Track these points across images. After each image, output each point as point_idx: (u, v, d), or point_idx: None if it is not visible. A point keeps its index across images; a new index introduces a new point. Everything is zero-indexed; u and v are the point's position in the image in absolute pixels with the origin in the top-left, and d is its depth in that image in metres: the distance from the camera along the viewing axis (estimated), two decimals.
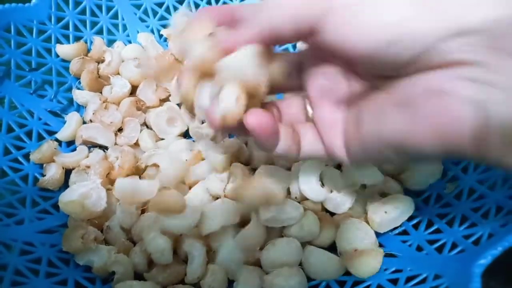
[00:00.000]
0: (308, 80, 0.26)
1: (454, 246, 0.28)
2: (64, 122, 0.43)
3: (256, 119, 0.22)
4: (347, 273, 0.31)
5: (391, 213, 0.31)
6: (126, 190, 0.33)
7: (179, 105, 0.46)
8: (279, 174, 0.36)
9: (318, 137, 0.26)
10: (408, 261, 0.30)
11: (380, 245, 0.32)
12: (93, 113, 0.42)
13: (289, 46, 0.48)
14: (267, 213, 0.31)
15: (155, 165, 0.38)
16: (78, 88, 0.45)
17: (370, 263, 0.29)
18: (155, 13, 0.51)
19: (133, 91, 0.45)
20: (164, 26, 0.51)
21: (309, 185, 0.34)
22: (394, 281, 0.28)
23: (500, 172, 0.29)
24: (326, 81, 0.25)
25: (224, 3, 0.53)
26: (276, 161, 0.39)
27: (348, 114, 0.25)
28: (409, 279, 0.28)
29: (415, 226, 0.33)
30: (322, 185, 0.35)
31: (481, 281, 0.32)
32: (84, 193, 0.34)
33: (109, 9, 0.49)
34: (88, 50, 0.47)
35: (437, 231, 0.31)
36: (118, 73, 0.45)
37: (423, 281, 0.27)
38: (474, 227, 0.28)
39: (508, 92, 0.17)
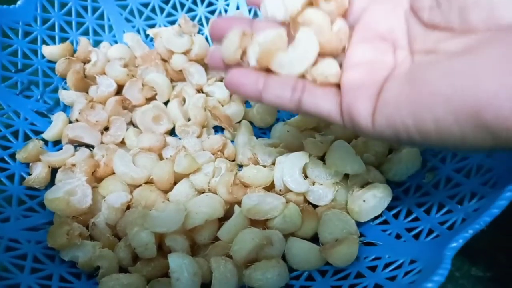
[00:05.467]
0: (362, 17, 0.25)
1: (430, 232, 0.28)
2: (51, 122, 0.43)
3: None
4: (329, 262, 0.31)
5: (369, 202, 0.32)
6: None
7: (165, 103, 0.47)
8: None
9: (331, 93, 0.24)
10: (387, 248, 0.30)
11: (361, 235, 0.33)
12: (79, 113, 0.42)
13: None
14: (249, 201, 0.32)
15: None
16: (64, 88, 0.45)
17: (345, 252, 0.29)
18: (141, 14, 0.51)
19: (119, 90, 0.46)
20: (150, 26, 0.52)
21: (291, 177, 0.35)
22: (373, 268, 0.29)
23: (475, 160, 0.30)
24: (383, 20, 0.24)
25: (210, 3, 0.53)
26: (260, 157, 0.39)
27: (399, 70, 0.22)
28: (387, 265, 0.28)
29: (395, 216, 0.33)
30: (305, 177, 0.36)
31: (462, 270, 0.33)
32: (69, 190, 0.35)
33: (94, 10, 0.49)
34: (74, 51, 0.47)
35: (416, 219, 0.31)
36: (104, 73, 0.46)
37: (400, 266, 0.27)
38: (450, 213, 0.28)
39: None
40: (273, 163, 0.38)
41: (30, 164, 0.39)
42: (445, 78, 0.19)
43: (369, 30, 0.25)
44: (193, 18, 0.52)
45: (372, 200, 0.32)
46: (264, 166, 0.38)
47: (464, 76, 0.18)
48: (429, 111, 0.19)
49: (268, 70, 0.26)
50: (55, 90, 0.45)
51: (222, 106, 0.47)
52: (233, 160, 0.42)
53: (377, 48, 0.24)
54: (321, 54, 0.25)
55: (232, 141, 0.44)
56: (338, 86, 0.25)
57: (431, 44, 0.22)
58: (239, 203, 0.34)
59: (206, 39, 0.51)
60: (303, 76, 0.26)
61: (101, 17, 0.50)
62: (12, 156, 0.39)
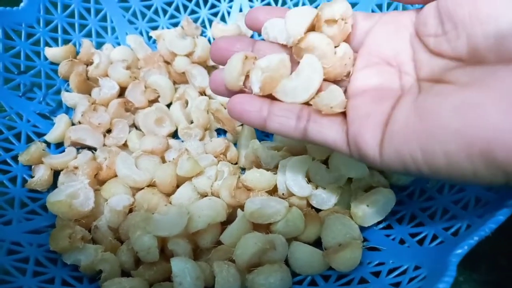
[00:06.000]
0: (366, 40, 0.24)
1: (434, 238, 0.28)
2: (53, 124, 0.43)
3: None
4: (332, 267, 0.31)
5: (373, 206, 0.32)
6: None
7: (168, 105, 0.47)
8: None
9: (337, 122, 0.24)
10: (391, 254, 0.30)
11: (365, 240, 0.33)
12: (82, 115, 0.42)
13: None
14: (252, 205, 0.31)
15: None
16: (67, 90, 0.45)
17: (348, 257, 0.29)
18: (143, 15, 0.51)
19: (121, 92, 0.46)
20: (153, 28, 0.52)
21: (295, 181, 0.35)
22: (377, 274, 0.29)
23: None
24: (386, 43, 0.23)
25: (213, 5, 0.53)
26: (263, 161, 0.39)
27: (407, 99, 0.21)
28: (390, 271, 0.28)
29: (399, 220, 0.33)
30: (309, 181, 0.36)
31: (464, 274, 0.33)
32: (72, 193, 0.34)
33: (97, 11, 0.49)
34: (77, 53, 0.47)
35: (420, 224, 0.31)
36: (107, 75, 0.46)
37: (404, 272, 0.27)
38: (454, 219, 0.28)
39: None
40: (276, 167, 0.38)
41: (33, 167, 0.39)
42: (455, 112, 0.18)
43: (373, 54, 0.24)
44: (196, 20, 0.52)
45: (376, 204, 0.32)
46: (267, 170, 0.38)
47: (473, 110, 0.17)
48: (439, 146, 0.18)
49: (272, 96, 0.26)
50: (58, 92, 0.45)
51: (225, 108, 0.46)
52: (236, 163, 0.42)
53: (383, 73, 0.23)
54: (325, 80, 0.25)
55: (234, 144, 0.43)
56: (344, 113, 0.24)
57: (438, 72, 0.21)
58: (242, 207, 0.34)
59: (209, 41, 0.51)
60: (307, 102, 0.25)
61: (104, 19, 0.50)
62: (15, 158, 0.39)
